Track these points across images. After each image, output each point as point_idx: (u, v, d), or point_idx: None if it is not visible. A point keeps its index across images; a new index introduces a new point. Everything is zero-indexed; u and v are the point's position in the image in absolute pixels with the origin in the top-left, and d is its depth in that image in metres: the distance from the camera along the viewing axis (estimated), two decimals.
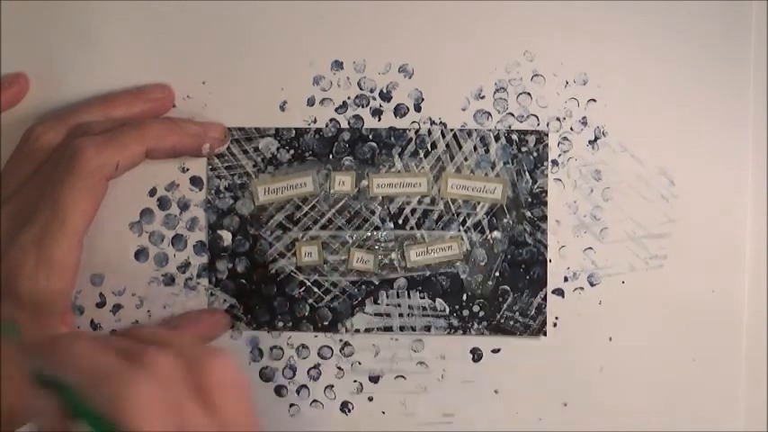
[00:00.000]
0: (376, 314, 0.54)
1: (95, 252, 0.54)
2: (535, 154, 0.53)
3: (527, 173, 0.53)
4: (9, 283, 0.48)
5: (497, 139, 0.53)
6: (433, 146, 0.54)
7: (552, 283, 0.54)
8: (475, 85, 0.53)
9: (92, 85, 0.53)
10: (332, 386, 0.54)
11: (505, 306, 0.54)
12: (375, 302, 0.54)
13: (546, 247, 0.54)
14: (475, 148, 0.53)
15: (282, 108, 0.54)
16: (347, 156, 0.54)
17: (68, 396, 0.39)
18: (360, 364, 0.54)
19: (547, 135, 0.53)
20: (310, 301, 0.54)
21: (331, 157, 0.54)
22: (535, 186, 0.53)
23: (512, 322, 0.54)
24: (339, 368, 0.54)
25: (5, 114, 0.53)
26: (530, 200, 0.53)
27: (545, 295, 0.54)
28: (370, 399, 0.54)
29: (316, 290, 0.54)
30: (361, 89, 0.54)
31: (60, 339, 0.41)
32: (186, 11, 0.53)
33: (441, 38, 0.53)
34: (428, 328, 0.54)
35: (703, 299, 0.53)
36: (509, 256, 0.54)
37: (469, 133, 0.53)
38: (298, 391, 0.54)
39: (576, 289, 0.54)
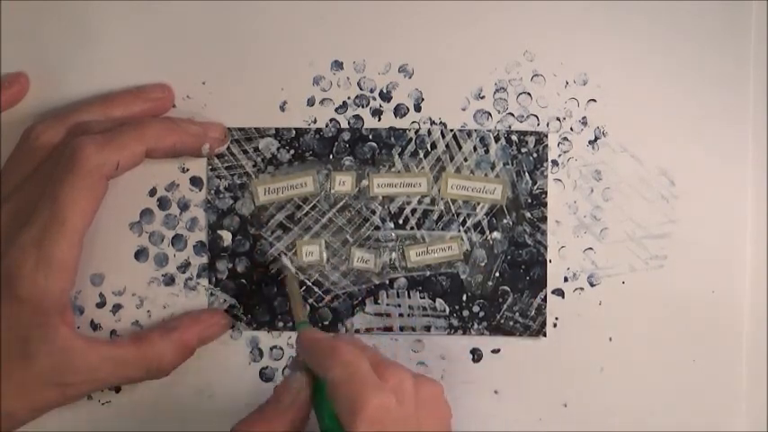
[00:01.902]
0: (376, 314, 0.54)
1: (95, 252, 0.53)
2: (535, 154, 0.53)
3: (527, 173, 0.53)
4: (9, 283, 0.48)
5: (497, 139, 0.53)
6: (433, 146, 0.54)
7: (552, 283, 0.54)
8: (475, 85, 0.53)
9: (92, 84, 0.53)
10: None
11: (505, 306, 0.54)
12: (375, 302, 0.54)
13: (546, 247, 0.54)
14: (475, 149, 0.53)
15: (282, 108, 0.54)
16: (347, 156, 0.54)
17: (319, 389, 0.45)
18: None
19: (547, 135, 0.53)
20: (311, 301, 0.54)
21: (331, 157, 0.54)
22: (535, 187, 0.53)
23: (512, 323, 0.54)
24: None
25: (5, 114, 0.53)
26: (529, 200, 0.53)
27: (545, 296, 0.54)
28: None
29: (316, 290, 0.54)
30: (361, 89, 0.54)
31: (338, 346, 0.46)
32: (186, 11, 0.53)
33: (441, 38, 0.53)
34: (428, 328, 0.54)
35: (703, 299, 0.53)
36: (509, 257, 0.54)
37: (469, 133, 0.53)
38: None
39: (576, 289, 0.54)
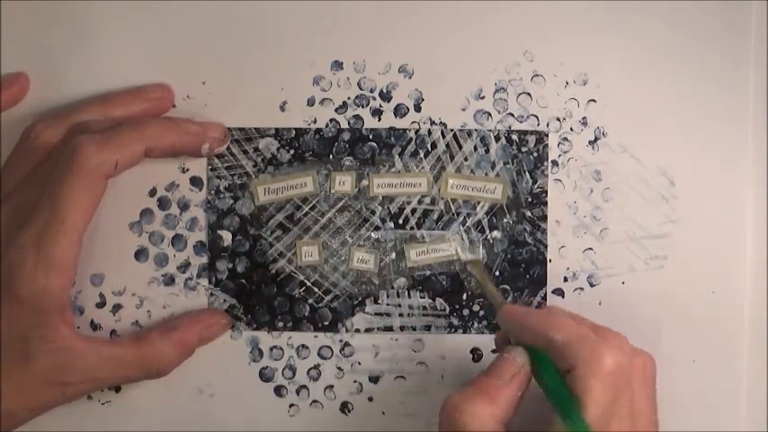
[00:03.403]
0: (376, 314, 0.54)
1: (95, 252, 0.54)
2: (535, 154, 0.53)
3: (527, 173, 0.53)
4: (8, 282, 0.48)
5: (497, 139, 0.53)
6: (433, 146, 0.54)
7: (552, 283, 0.54)
8: (475, 85, 0.53)
9: (91, 84, 0.53)
10: (332, 386, 0.54)
11: None
12: (375, 302, 0.54)
13: (546, 247, 0.54)
14: (475, 149, 0.54)
15: (282, 108, 0.54)
16: (347, 156, 0.54)
17: (540, 360, 0.45)
18: (360, 364, 0.54)
19: (547, 135, 0.53)
20: (310, 301, 0.54)
21: (331, 157, 0.54)
22: (535, 186, 0.53)
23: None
24: (339, 368, 0.54)
25: (5, 114, 0.53)
26: (530, 200, 0.53)
27: (545, 295, 0.54)
28: (370, 399, 0.54)
29: (316, 290, 0.54)
30: (361, 89, 0.54)
31: (548, 314, 0.47)
32: (186, 11, 0.53)
33: (441, 38, 0.53)
34: (428, 328, 0.54)
35: (703, 299, 0.53)
36: (509, 256, 0.54)
37: (469, 133, 0.53)
38: (297, 392, 0.54)
39: (575, 289, 0.54)
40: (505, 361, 0.46)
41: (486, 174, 0.54)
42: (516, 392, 0.46)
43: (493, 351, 0.54)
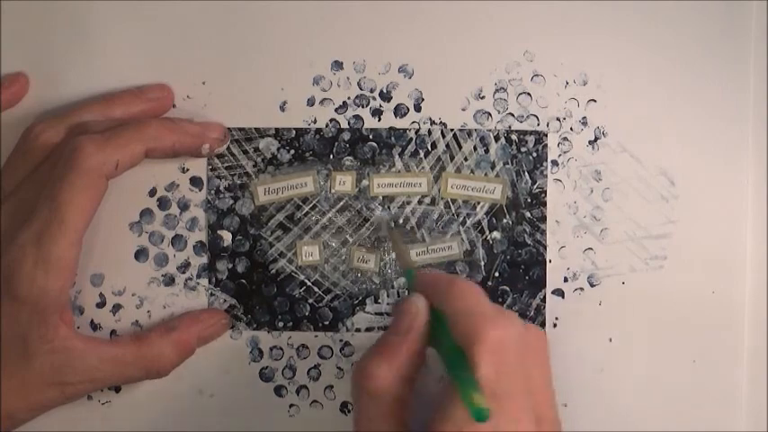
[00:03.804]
0: (376, 313, 0.54)
1: (95, 252, 0.54)
2: (535, 154, 0.53)
3: (527, 173, 0.53)
4: (8, 281, 0.48)
5: (497, 139, 0.53)
6: (433, 146, 0.54)
7: (552, 283, 0.54)
8: (475, 85, 0.53)
9: (91, 84, 0.53)
10: (332, 386, 0.54)
11: (505, 306, 0.54)
12: (375, 302, 0.54)
13: (545, 247, 0.54)
14: (475, 149, 0.54)
15: (282, 108, 0.54)
16: (347, 156, 0.54)
17: (439, 323, 0.45)
18: None
19: (546, 135, 0.53)
20: (310, 300, 0.54)
21: (331, 157, 0.54)
22: (535, 187, 0.53)
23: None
24: (339, 368, 0.54)
25: (5, 114, 0.53)
26: (529, 200, 0.53)
27: (544, 296, 0.54)
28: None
29: (316, 290, 0.54)
30: (361, 89, 0.54)
31: (456, 280, 0.46)
32: (186, 11, 0.53)
33: (441, 38, 0.53)
34: None
35: (703, 299, 0.53)
36: (509, 257, 0.54)
37: (469, 133, 0.53)
38: (297, 392, 0.54)
39: (575, 289, 0.54)
40: (400, 314, 0.46)
41: (486, 174, 0.54)
42: (412, 346, 0.45)
43: None
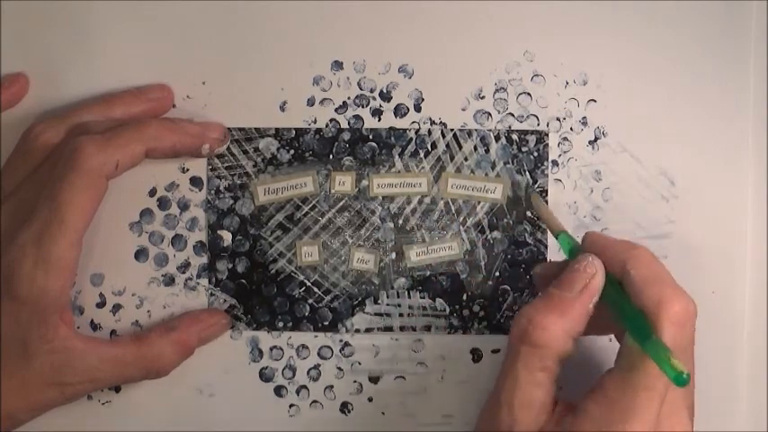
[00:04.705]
0: (376, 314, 0.54)
1: (95, 252, 0.54)
2: (535, 154, 0.53)
3: (527, 173, 0.53)
4: (8, 282, 0.48)
5: (497, 139, 0.53)
6: (433, 146, 0.54)
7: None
8: (475, 85, 0.53)
9: (92, 85, 0.53)
10: (332, 386, 0.54)
11: (506, 306, 0.54)
12: (375, 302, 0.54)
13: (546, 246, 0.54)
14: (475, 148, 0.54)
15: (282, 108, 0.54)
16: (347, 156, 0.54)
17: (612, 286, 0.45)
18: (360, 364, 0.54)
19: (547, 135, 0.53)
20: (310, 301, 0.54)
21: (331, 157, 0.54)
22: (536, 186, 0.53)
23: (512, 322, 0.53)
24: (339, 368, 0.54)
25: (5, 114, 0.53)
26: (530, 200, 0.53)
27: None
28: (370, 399, 0.54)
29: (316, 290, 0.54)
30: (361, 89, 0.54)
31: (638, 246, 0.46)
32: (186, 11, 0.53)
33: (441, 38, 0.53)
34: (428, 328, 0.54)
35: (703, 299, 0.53)
36: (509, 256, 0.54)
37: (469, 133, 0.53)
38: (297, 392, 0.54)
39: None
40: (575, 272, 0.46)
41: (486, 174, 0.54)
42: (587, 305, 0.45)
43: (493, 351, 0.54)
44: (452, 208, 0.54)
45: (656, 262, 0.46)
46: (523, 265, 0.54)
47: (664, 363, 0.41)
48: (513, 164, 0.53)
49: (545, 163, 0.53)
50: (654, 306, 0.43)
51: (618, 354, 0.45)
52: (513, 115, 0.53)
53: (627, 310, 0.45)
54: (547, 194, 0.53)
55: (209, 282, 0.54)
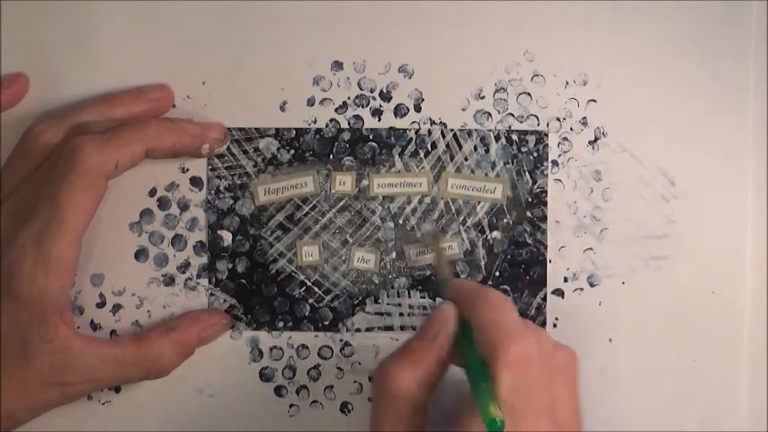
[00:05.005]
0: (376, 314, 0.54)
1: (95, 252, 0.54)
2: (535, 154, 0.53)
3: (527, 173, 0.53)
4: (8, 282, 0.48)
5: (497, 139, 0.53)
6: (433, 146, 0.54)
7: (552, 283, 0.54)
8: (475, 85, 0.53)
9: (91, 85, 0.53)
10: (332, 387, 0.54)
11: None
12: (375, 302, 0.54)
13: (546, 247, 0.54)
14: (475, 148, 0.54)
15: (282, 108, 0.54)
16: (347, 156, 0.54)
17: (465, 333, 0.46)
18: (360, 364, 0.54)
19: (547, 135, 0.53)
20: (311, 301, 0.54)
21: (331, 157, 0.54)
22: (535, 186, 0.53)
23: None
24: (339, 368, 0.54)
25: (5, 114, 0.53)
26: (530, 200, 0.53)
27: (545, 295, 0.54)
28: (370, 399, 0.54)
29: (316, 290, 0.54)
30: (361, 89, 0.54)
31: (485, 291, 0.47)
32: (186, 11, 0.53)
33: (441, 38, 0.53)
34: None
35: (703, 300, 0.53)
36: (509, 256, 0.54)
37: (469, 133, 0.53)
38: (297, 392, 0.54)
39: (575, 290, 0.54)
40: (428, 321, 0.47)
41: (486, 174, 0.54)
42: (438, 353, 0.46)
43: None
44: (452, 208, 0.54)
45: (498, 305, 0.46)
46: (523, 266, 0.54)
47: (482, 408, 0.42)
48: (513, 164, 0.53)
49: (545, 163, 0.53)
50: (490, 351, 0.44)
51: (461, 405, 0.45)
52: (513, 115, 0.53)
53: (468, 356, 0.45)
54: (546, 195, 0.53)
55: (209, 282, 0.54)
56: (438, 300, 0.54)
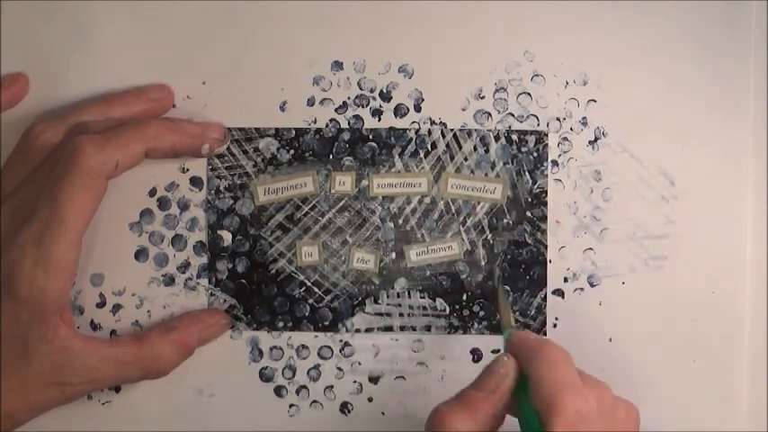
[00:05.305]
0: (376, 314, 0.54)
1: (95, 252, 0.54)
2: (535, 154, 0.53)
3: (527, 173, 0.53)
4: (8, 282, 0.48)
5: (497, 139, 0.53)
6: (433, 146, 0.54)
7: (552, 283, 0.54)
8: (475, 85, 0.53)
9: (91, 84, 0.53)
10: (332, 387, 0.54)
11: None
12: (375, 302, 0.54)
13: (546, 247, 0.54)
14: (475, 148, 0.54)
15: (282, 108, 0.54)
16: (347, 156, 0.54)
17: (523, 387, 0.46)
18: (360, 364, 0.54)
19: (547, 135, 0.53)
20: (310, 301, 0.54)
21: (331, 157, 0.54)
22: (535, 186, 0.53)
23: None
24: (339, 368, 0.54)
25: (5, 114, 0.53)
26: (530, 200, 0.53)
27: (545, 295, 0.54)
28: (370, 399, 0.54)
29: (316, 290, 0.54)
30: (361, 89, 0.54)
31: (546, 345, 0.46)
32: (186, 11, 0.53)
33: (441, 38, 0.53)
34: (428, 328, 0.54)
35: (703, 300, 0.53)
36: (509, 256, 0.54)
37: (469, 133, 0.53)
38: (297, 392, 0.54)
39: (576, 290, 0.54)
40: (488, 372, 0.46)
41: (486, 174, 0.54)
42: (496, 405, 0.46)
43: (492, 351, 0.54)
44: (452, 208, 0.54)
45: (558, 360, 0.45)
46: (523, 266, 0.54)
47: None
48: (512, 164, 0.53)
49: (545, 163, 0.53)
50: (545, 408, 0.43)
51: None
52: (513, 115, 0.53)
53: (525, 411, 0.45)
54: (546, 195, 0.53)
55: (209, 282, 0.54)
56: (438, 300, 0.54)
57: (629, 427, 0.46)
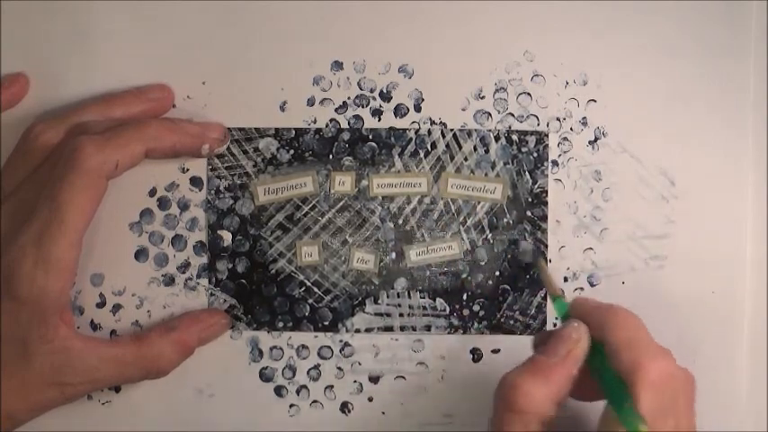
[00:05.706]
0: (376, 314, 0.54)
1: (95, 252, 0.54)
2: (535, 154, 0.53)
3: (527, 173, 0.53)
4: (8, 281, 0.48)
5: (497, 139, 0.53)
6: (433, 146, 0.54)
7: None
8: (475, 85, 0.53)
9: (91, 84, 0.53)
10: (332, 386, 0.54)
11: (506, 305, 0.54)
12: (375, 302, 0.54)
13: (546, 247, 0.54)
14: (475, 149, 0.54)
15: (282, 108, 0.54)
16: (347, 156, 0.54)
17: (595, 351, 0.46)
18: (360, 364, 0.54)
19: (547, 135, 0.53)
20: (310, 301, 0.54)
21: (331, 157, 0.54)
22: (535, 186, 0.53)
23: (512, 321, 0.54)
24: (339, 368, 0.54)
25: (5, 114, 0.53)
26: (530, 200, 0.53)
27: (545, 295, 0.54)
28: (370, 399, 0.54)
29: (316, 290, 0.54)
30: (361, 89, 0.54)
31: (618, 309, 0.47)
32: (186, 11, 0.53)
33: (441, 38, 0.53)
34: (428, 328, 0.54)
35: (704, 299, 0.53)
36: (509, 256, 0.54)
37: (469, 133, 0.54)
38: (298, 392, 0.54)
39: (575, 289, 0.54)
40: (560, 338, 0.46)
41: (486, 174, 0.54)
42: (570, 370, 0.46)
43: (492, 351, 0.54)
44: (452, 208, 0.54)
45: (635, 325, 0.46)
46: (523, 265, 0.54)
47: (630, 428, 0.42)
48: (513, 164, 0.53)
49: (545, 163, 0.53)
50: (630, 371, 0.44)
51: (599, 419, 0.45)
52: (513, 115, 0.53)
53: (605, 375, 0.45)
54: (546, 194, 0.53)
55: (209, 282, 0.54)
56: (438, 300, 0.54)
57: (688, 395, 0.46)
